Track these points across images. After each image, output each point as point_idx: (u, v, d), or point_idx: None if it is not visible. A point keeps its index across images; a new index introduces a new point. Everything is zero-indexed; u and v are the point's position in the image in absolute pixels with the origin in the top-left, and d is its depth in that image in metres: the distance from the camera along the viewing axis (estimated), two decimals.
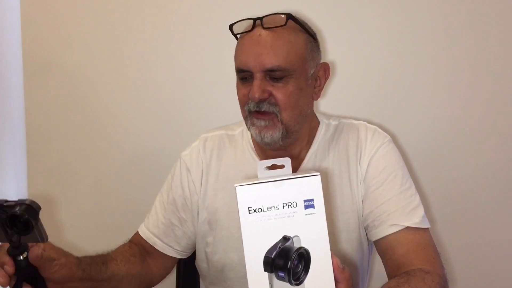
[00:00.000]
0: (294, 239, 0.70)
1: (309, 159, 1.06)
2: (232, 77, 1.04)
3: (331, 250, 0.71)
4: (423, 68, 1.37)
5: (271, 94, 0.96)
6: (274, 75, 0.95)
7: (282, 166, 0.74)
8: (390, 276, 0.95)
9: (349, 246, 1.04)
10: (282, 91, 0.96)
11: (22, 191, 1.53)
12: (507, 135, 1.37)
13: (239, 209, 0.70)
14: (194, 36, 1.42)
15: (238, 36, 1.03)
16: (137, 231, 1.12)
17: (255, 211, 0.70)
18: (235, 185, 0.70)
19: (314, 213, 0.70)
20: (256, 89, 0.94)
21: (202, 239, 1.09)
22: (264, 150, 1.07)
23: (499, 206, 1.38)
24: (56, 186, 1.54)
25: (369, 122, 1.11)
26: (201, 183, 1.08)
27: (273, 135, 0.97)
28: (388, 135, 1.08)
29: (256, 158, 1.07)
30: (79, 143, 1.51)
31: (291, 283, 0.69)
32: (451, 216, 1.39)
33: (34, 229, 0.71)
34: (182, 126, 1.45)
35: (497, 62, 1.34)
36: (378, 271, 1.31)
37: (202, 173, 1.08)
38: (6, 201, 0.72)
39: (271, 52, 0.94)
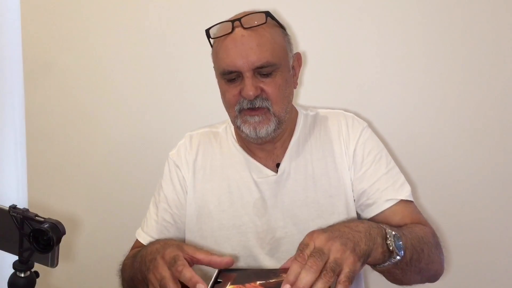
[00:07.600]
0: None
1: (292, 147, 1.10)
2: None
3: None
4: (403, 59, 1.36)
5: (262, 90, 1.00)
6: (262, 71, 0.99)
7: None
8: None
9: None
10: (272, 85, 1.00)
11: (22, 191, 1.53)
12: (490, 124, 1.35)
13: None
14: (194, 36, 1.42)
15: (214, 40, 1.05)
16: (136, 239, 1.13)
17: None
18: None
19: None
20: (250, 87, 0.98)
21: (192, 233, 1.10)
22: (248, 144, 1.10)
23: (485, 198, 1.37)
24: (56, 186, 1.54)
25: (345, 111, 1.16)
26: (190, 177, 1.11)
27: (268, 128, 1.02)
28: (364, 121, 1.14)
29: (241, 150, 1.11)
30: (79, 143, 1.51)
31: None
32: (438, 208, 1.37)
33: (53, 250, 0.72)
34: (185, 129, 1.45)
35: (474, 49, 1.33)
36: None
37: (190, 168, 1.12)
38: (37, 215, 0.75)
39: (258, 50, 0.98)
